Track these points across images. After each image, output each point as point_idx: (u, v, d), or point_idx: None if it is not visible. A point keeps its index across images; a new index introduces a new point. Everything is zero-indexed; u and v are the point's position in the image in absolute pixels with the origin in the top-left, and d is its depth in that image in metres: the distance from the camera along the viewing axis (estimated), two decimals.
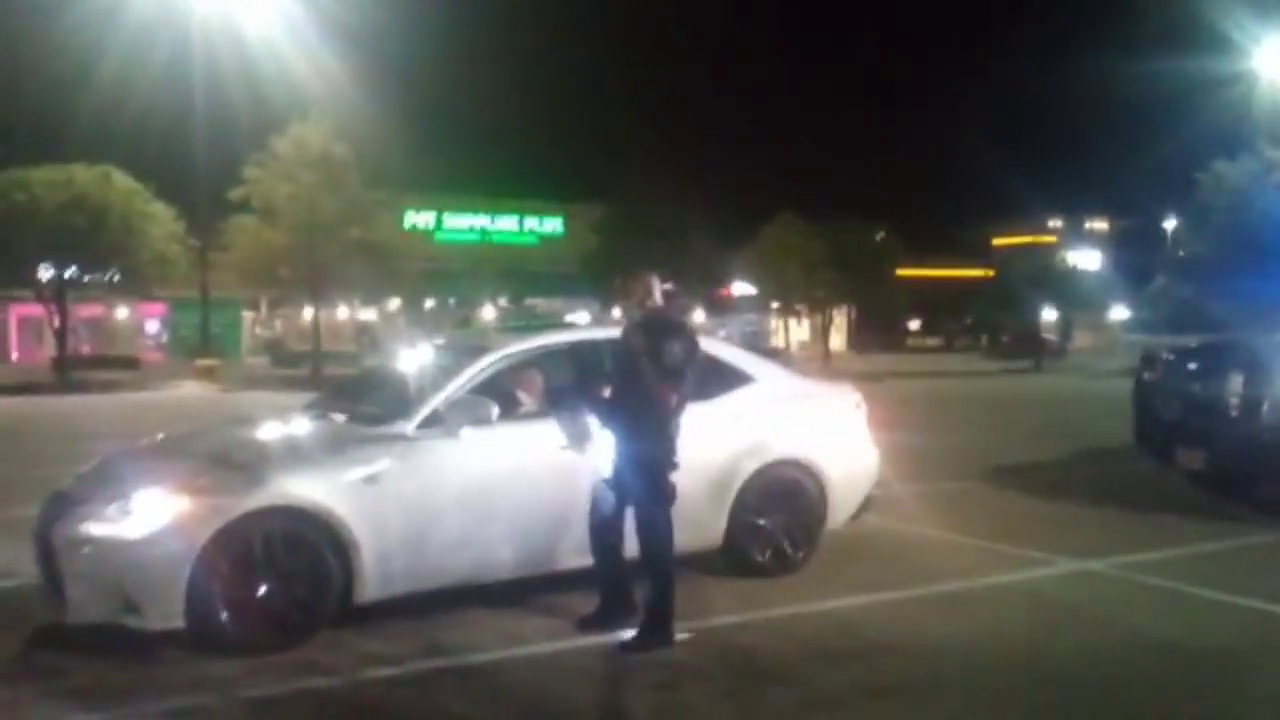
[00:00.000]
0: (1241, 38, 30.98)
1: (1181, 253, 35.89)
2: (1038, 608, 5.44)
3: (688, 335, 4.88)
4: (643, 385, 4.71)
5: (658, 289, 4.94)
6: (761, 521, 5.88)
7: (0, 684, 4.30)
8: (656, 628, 4.72)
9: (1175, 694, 4.27)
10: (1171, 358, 8.74)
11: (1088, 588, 5.82)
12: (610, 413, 4.91)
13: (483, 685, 4.36)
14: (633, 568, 4.97)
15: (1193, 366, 8.46)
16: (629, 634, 4.75)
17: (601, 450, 4.99)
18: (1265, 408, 7.45)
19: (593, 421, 5.07)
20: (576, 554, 5.32)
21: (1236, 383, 7.65)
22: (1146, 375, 8.81)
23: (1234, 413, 7.64)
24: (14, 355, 41.53)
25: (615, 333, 5.18)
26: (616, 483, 4.87)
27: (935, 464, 10.20)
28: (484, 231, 46.54)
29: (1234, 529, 7.18)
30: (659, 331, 4.78)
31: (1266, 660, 4.68)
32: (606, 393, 5.00)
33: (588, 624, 4.96)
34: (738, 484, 5.81)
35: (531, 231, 47.29)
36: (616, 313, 5.83)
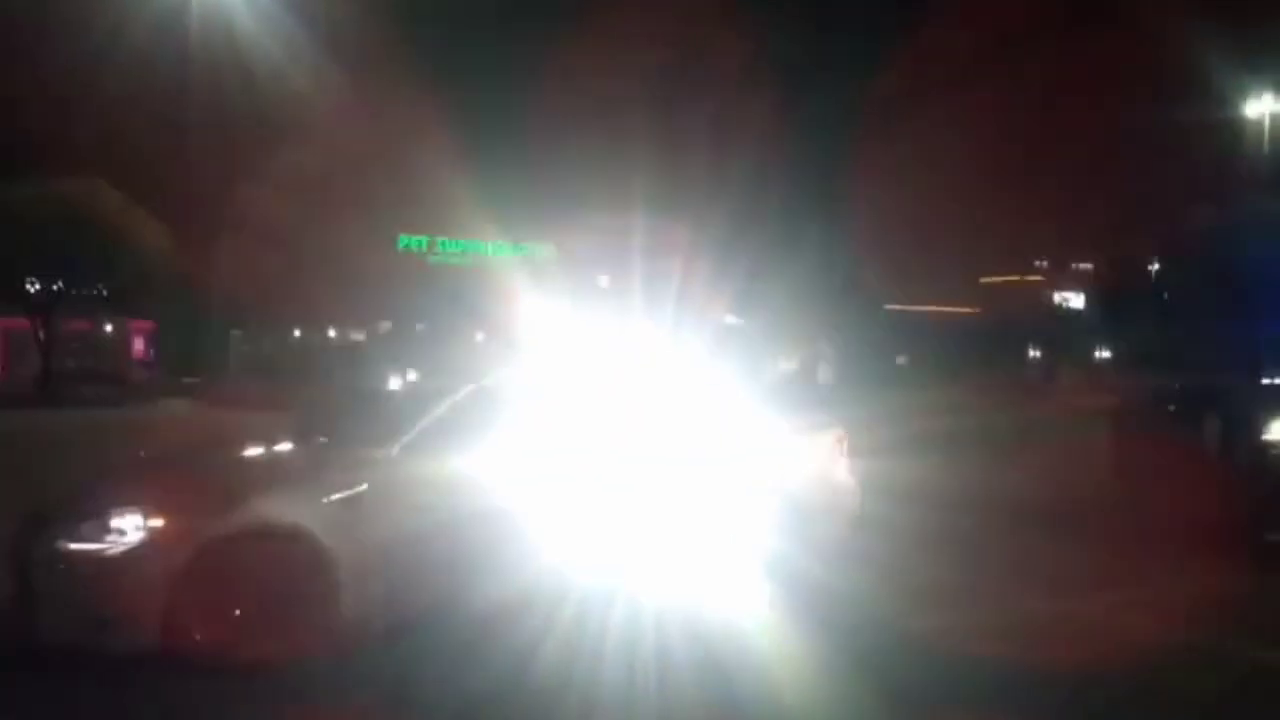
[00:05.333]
0: (1228, 84, 31.48)
1: (1165, 295, 36.21)
2: None
3: None
4: None
5: None
6: None
7: None
8: None
9: None
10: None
11: None
12: None
13: (454, 712, 4.35)
14: None
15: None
16: None
17: None
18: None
19: None
20: (556, 580, 5.35)
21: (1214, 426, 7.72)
22: None
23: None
24: None
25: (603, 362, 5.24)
26: None
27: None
28: (476, 256, 46.59)
29: None
30: None
31: None
32: None
33: None
34: None
35: (524, 257, 47.35)
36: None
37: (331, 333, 41.23)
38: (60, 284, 26.10)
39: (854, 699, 4.52)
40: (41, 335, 27.14)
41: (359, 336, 44.49)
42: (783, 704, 4.48)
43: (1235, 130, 32.12)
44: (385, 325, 42.51)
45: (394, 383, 6.41)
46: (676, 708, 4.41)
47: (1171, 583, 6.85)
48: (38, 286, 25.93)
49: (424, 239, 44.10)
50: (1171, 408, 8.58)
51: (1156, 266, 40.24)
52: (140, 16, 24.76)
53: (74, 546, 4.55)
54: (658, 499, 5.38)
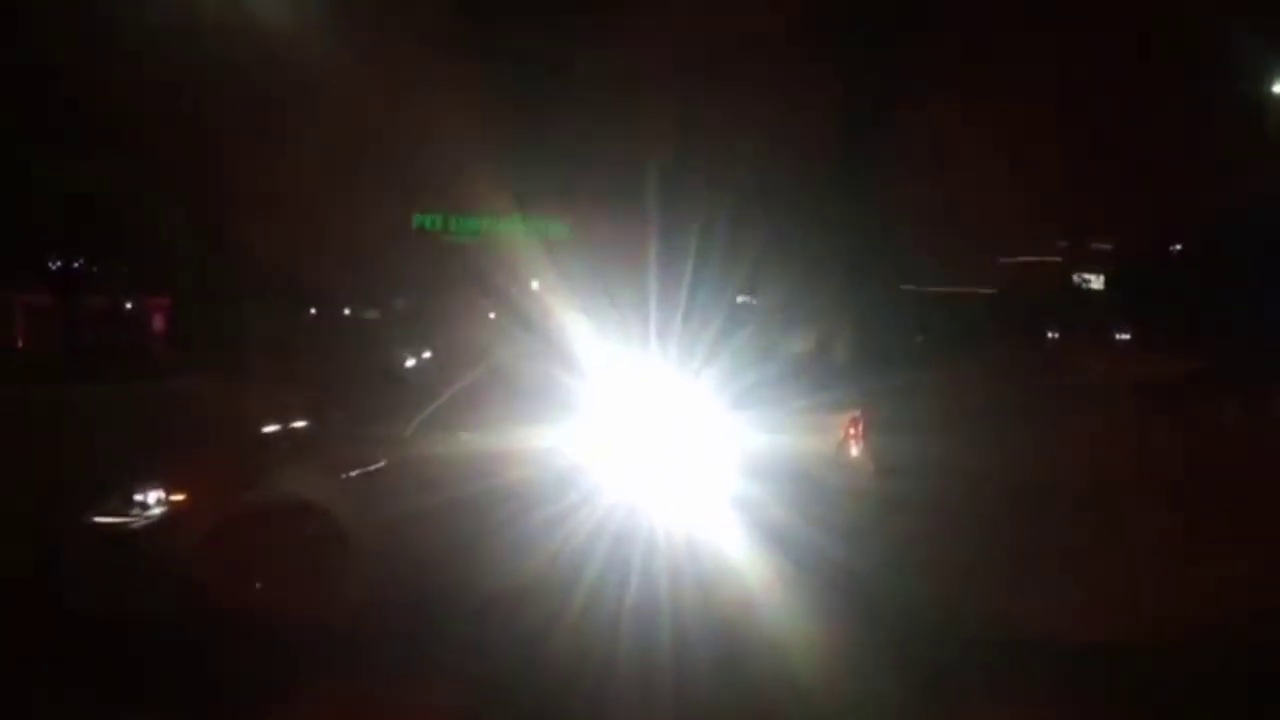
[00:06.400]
0: (1254, 63, 30.97)
1: (1187, 277, 35.95)
2: None
3: None
4: None
5: None
6: None
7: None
8: None
9: None
10: None
11: None
12: None
13: (470, 687, 4.40)
14: None
15: None
16: None
17: None
18: None
19: None
20: (570, 562, 5.39)
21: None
22: None
23: None
24: (19, 344, 41.49)
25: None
26: None
27: None
28: (491, 235, 46.51)
29: None
30: None
31: None
32: None
33: None
34: None
35: (537, 233, 47.24)
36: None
37: (347, 310, 41.37)
38: (81, 260, 26.33)
39: (865, 673, 4.54)
40: (63, 311, 27.41)
41: (373, 314, 44.63)
42: (796, 678, 4.51)
43: (1263, 107, 31.67)
44: (400, 303, 42.62)
45: (409, 360, 6.49)
46: (691, 683, 4.45)
47: (1182, 561, 6.83)
48: (59, 263, 26.16)
49: (439, 217, 44.12)
50: (1192, 387, 8.54)
51: (1178, 247, 39.94)
52: None
53: (97, 519, 4.62)
54: (672, 477, 5.41)
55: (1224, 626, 5.40)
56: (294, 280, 29.72)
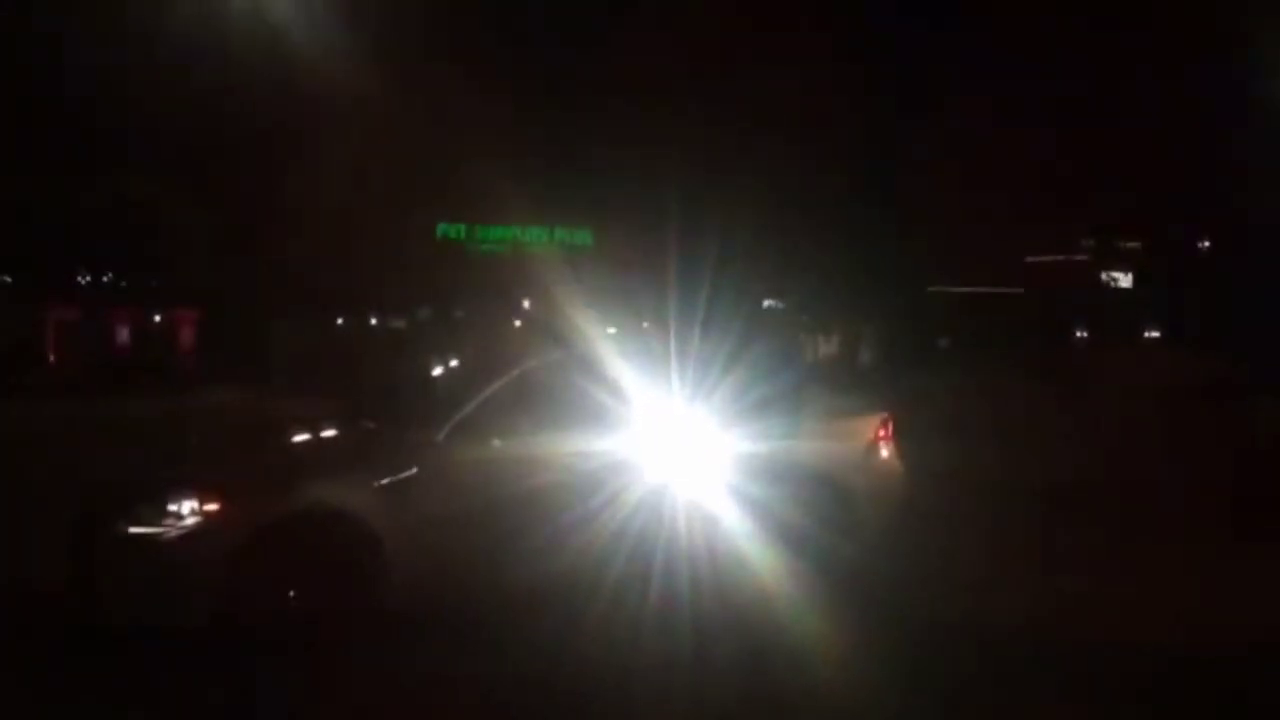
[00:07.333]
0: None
1: (1216, 274, 35.51)
2: None
3: None
4: None
5: None
6: None
7: (31, 684, 4.38)
8: None
9: None
10: None
11: None
12: None
13: (509, 694, 4.40)
14: None
15: None
16: None
17: None
18: None
19: None
20: (601, 567, 5.38)
21: None
22: None
23: None
24: (50, 359, 41.94)
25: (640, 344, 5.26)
26: None
27: None
28: (515, 243, 46.67)
29: None
30: None
31: None
32: None
33: None
34: None
35: (561, 242, 47.33)
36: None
37: (373, 320, 41.63)
38: (109, 275, 26.66)
39: (885, 681, 4.49)
40: (93, 325, 27.75)
41: (399, 324, 44.85)
42: (817, 686, 4.49)
43: None
44: (425, 312, 42.83)
45: (436, 369, 6.55)
46: (712, 689, 4.42)
47: (1213, 567, 6.71)
48: (89, 278, 26.50)
49: (463, 227, 44.31)
50: (1224, 387, 8.43)
51: (1207, 244, 39.45)
52: (183, 9, 25.02)
53: (132, 530, 4.65)
54: (699, 482, 5.40)
55: (1243, 633, 5.31)
56: (322, 290, 29.93)
